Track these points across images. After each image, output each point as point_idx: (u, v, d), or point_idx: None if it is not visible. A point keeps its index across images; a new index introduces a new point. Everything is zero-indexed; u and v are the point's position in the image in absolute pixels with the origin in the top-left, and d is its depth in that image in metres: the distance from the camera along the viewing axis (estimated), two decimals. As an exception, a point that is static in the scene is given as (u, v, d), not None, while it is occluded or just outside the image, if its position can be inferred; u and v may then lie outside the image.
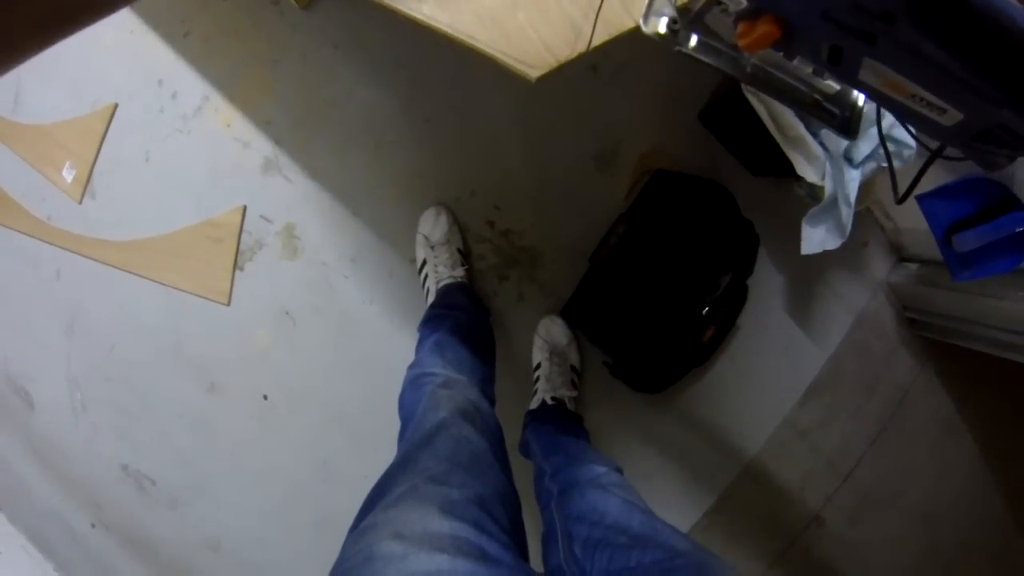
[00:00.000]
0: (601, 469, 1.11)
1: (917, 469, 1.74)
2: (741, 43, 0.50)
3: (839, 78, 0.59)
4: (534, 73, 0.51)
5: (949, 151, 0.52)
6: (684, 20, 0.65)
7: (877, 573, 1.76)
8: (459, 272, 1.47)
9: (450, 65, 1.49)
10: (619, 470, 1.14)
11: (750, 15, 0.49)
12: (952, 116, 0.44)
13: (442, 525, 0.68)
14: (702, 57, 0.66)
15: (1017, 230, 1.17)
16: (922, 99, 0.44)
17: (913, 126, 0.49)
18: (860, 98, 0.72)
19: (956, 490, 1.78)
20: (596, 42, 0.60)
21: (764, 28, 0.47)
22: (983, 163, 0.48)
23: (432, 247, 1.49)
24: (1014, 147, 0.45)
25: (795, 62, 0.68)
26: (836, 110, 0.72)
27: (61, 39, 0.36)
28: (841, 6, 0.41)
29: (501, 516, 0.78)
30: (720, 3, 0.57)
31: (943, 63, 0.40)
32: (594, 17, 0.56)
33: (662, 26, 0.63)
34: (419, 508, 0.70)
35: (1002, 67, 0.38)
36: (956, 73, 0.40)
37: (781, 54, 0.52)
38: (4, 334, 1.71)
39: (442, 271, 1.46)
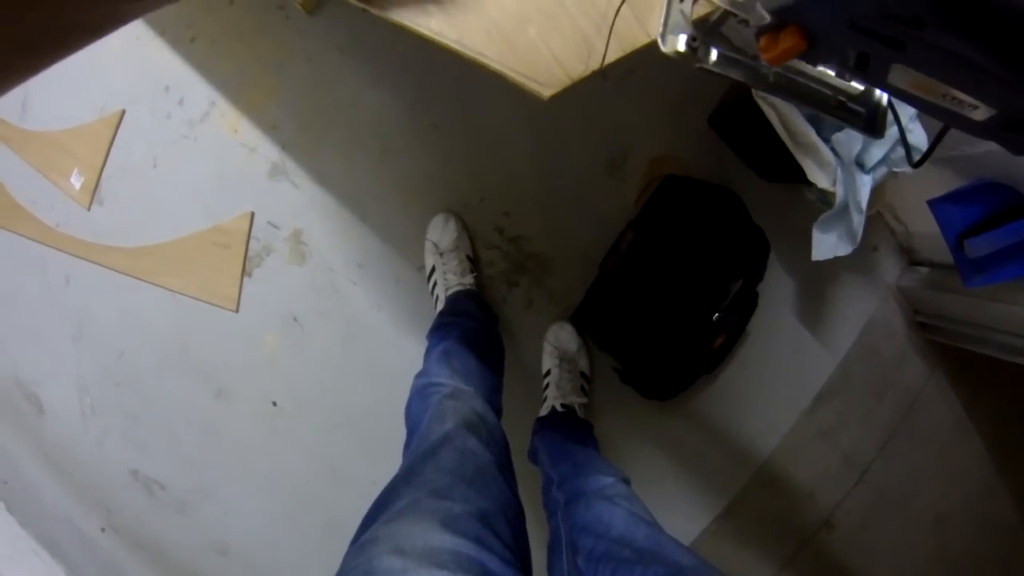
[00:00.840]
0: (608, 480, 1.10)
1: (927, 473, 1.74)
2: (765, 57, 0.49)
3: (866, 82, 0.58)
4: (546, 92, 0.50)
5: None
6: (701, 33, 0.64)
7: (888, 576, 1.76)
8: (468, 279, 1.46)
9: (457, 70, 1.48)
10: (627, 480, 1.14)
11: (773, 28, 0.48)
12: (984, 111, 0.44)
13: (443, 540, 0.67)
14: (723, 71, 0.65)
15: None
16: (953, 98, 0.43)
17: (942, 121, 0.48)
18: (884, 96, 0.71)
19: (966, 494, 1.77)
20: (610, 59, 0.59)
21: (789, 41, 0.47)
22: (1012, 149, 0.48)
23: (441, 254, 1.48)
24: None
25: (818, 68, 0.68)
26: (861, 109, 0.72)
27: (74, 52, 0.36)
28: (869, 15, 0.41)
29: (504, 531, 0.77)
30: (735, 15, 0.57)
31: (975, 61, 0.39)
32: (607, 33, 0.55)
33: (681, 44, 0.62)
34: (420, 523, 0.70)
35: None
36: (989, 70, 0.39)
37: (804, 62, 0.51)
38: (14, 340, 1.71)
39: (451, 278, 1.45)
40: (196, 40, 1.54)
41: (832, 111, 0.72)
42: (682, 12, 0.63)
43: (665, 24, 0.62)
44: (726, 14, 0.62)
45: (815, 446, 1.69)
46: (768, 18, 0.48)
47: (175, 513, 1.69)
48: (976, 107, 0.43)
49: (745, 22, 0.57)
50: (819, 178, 1.26)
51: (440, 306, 1.44)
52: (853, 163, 1.26)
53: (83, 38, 0.36)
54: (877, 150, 1.26)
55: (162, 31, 1.54)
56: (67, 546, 1.74)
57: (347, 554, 0.70)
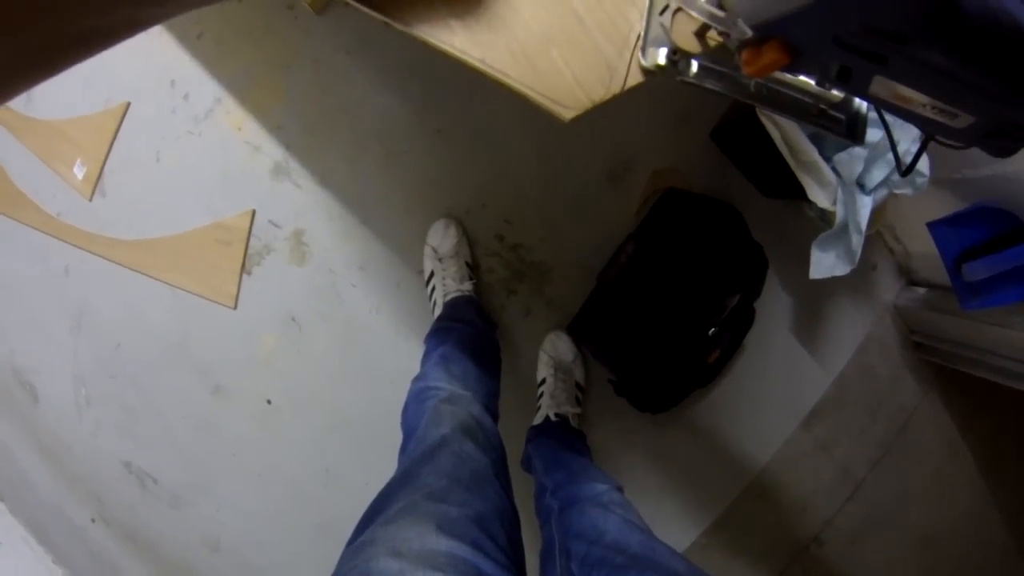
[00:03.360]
0: (602, 487, 1.10)
1: (919, 493, 1.74)
2: (748, 71, 0.49)
3: (848, 93, 0.59)
4: (568, 114, 0.50)
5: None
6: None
7: (875, 596, 1.76)
8: (467, 286, 1.46)
9: (464, 77, 1.47)
10: (620, 489, 1.14)
11: (755, 42, 0.48)
12: (964, 120, 0.45)
13: (439, 543, 0.67)
14: (705, 83, 0.66)
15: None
16: (934, 107, 0.45)
17: (923, 130, 0.49)
18: (864, 104, 0.72)
19: (957, 515, 1.77)
20: (631, 83, 0.59)
21: (771, 55, 0.47)
22: (993, 153, 0.49)
23: (440, 259, 1.48)
24: None
25: (800, 77, 0.69)
26: (841, 116, 0.72)
27: (90, 56, 0.37)
28: (853, 31, 0.41)
29: (499, 535, 0.77)
30: (716, 29, 0.57)
31: (956, 74, 0.40)
32: (629, 56, 0.56)
33: (662, 57, 0.62)
34: (417, 525, 0.70)
35: (1014, 71, 0.39)
36: (969, 82, 0.41)
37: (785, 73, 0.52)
38: (12, 327, 1.71)
39: (450, 284, 1.45)
40: (203, 36, 1.55)
41: (813, 119, 0.72)
42: (662, 25, 0.63)
43: (645, 38, 0.62)
44: (704, 26, 0.63)
45: (808, 462, 1.69)
46: (750, 33, 0.48)
47: (167, 507, 1.69)
48: (956, 116, 0.45)
49: (726, 35, 0.57)
50: (819, 197, 1.27)
51: (438, 311, 1.44)
52: (854, 184, 1.26)
53: (100, 43, 0.36)
54: (878, 171, 1.26)
55: (170, 26, 1.53)
56: (57, 535, 1.74)
57: (343, 555, 0.70)
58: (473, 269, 1.52)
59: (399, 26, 0.52)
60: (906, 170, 0.73)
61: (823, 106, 0.69)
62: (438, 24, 0.53)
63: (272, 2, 1.53)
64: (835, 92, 0.69)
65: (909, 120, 0.48)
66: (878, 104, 0.48)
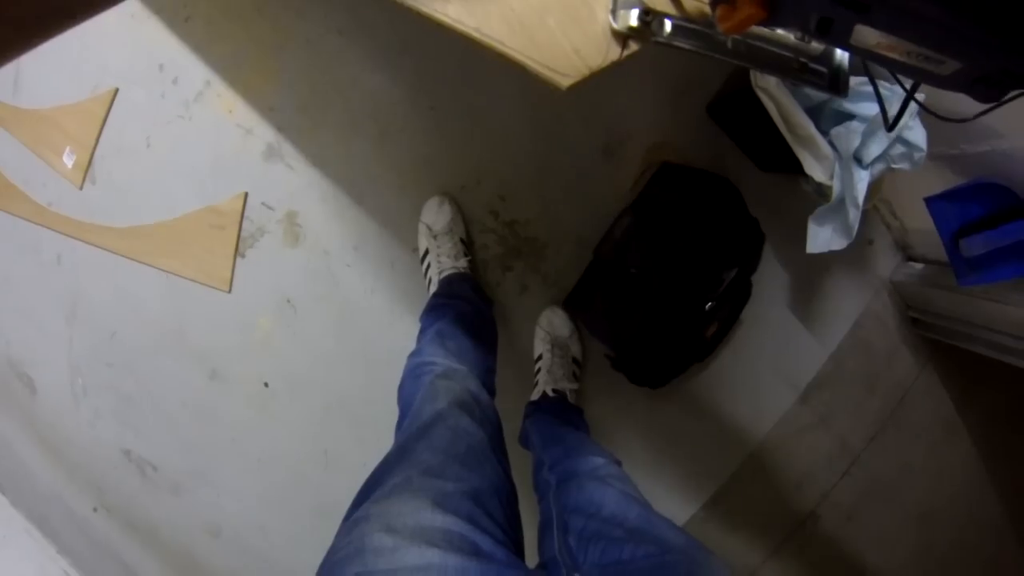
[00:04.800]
0: (600, 461, 1.10)
1: (915, 468, 1.75)
2: (722, 27, 0.48)
3: (829, 44, 0.59)
4: (565, 82, 0.49)
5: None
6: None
7: (872, 570, 1.78)
8: (462, 263, 1.46)
9: (457, 52, 1.47)
10: (618, 462, 1.14)
11: None
12: (950, 66, 0.44)
13: (434, 519, 0.67)
14: (679, 43, 0.64)
15: (1025, 237, 1.16)
16: (919, 54, 0.44)
17: (910, 78, 0.49)
18: (846, 56, 0.70)
19: (953, 490, 1.79)
20: (629, 50, 0.58)
21: (747, 10, 0.46)
22: (980, 99, 0.48)
23: (435, 237, 1.47)
24: (1015, 86, 0.45)
25: (778, 31, 0.67)
26: (823, 69, 0.71)
27: (63, 31, 0.35)
28: None
29: (496, 511, 0.77)
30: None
31: (941, 21, 0.40)
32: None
33: (633, 19, 0.60)
34: (412, 501, 0.70)
35: (1000, 16, 0.38)
36: (955, 29, 0.40)
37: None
38: (6, 319, 1.70)
39: (444, 261, 1.45)
40: (192, 19, 1.52)
41: (794, 74, 0.71)
42: None
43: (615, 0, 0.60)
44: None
45: (804, 437, 1.70)
46: None
47: (168, 494, 1.69)
48: (942, 63, 0.44)
49: None
50: (816, 171, 1.26)
51: (433, 288, 1.44)
52: (851, 158, 1.26)
53: (85, 10, 0.35)
54: (876, 146, 1.25)
55: (158, 9, 1.51)
56: (58, 525, 1.74)
57: (338, 531, 0.70)
58: (468, 246, 1.52)
59: None
60: (892, 124, 0.73)
61: (804, 60, 0.69)
62: None
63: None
64: (815, 45, 0.68)
65: (893, 69, 0.47)
66: (861, 54, 0.47)
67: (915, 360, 1.71)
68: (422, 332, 1.27)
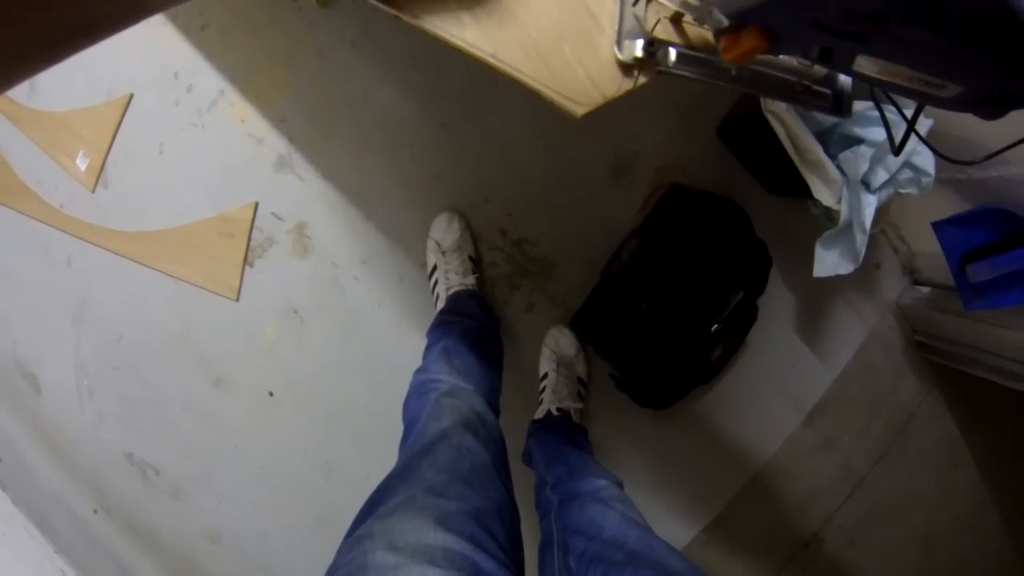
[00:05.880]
0: (602, 483, 1.10)
1: (918, 492, 1.74)
2: (727, 57, 0.48)
3: (831, 70, 0.58)
4: (580, 110, 0.50)
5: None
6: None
7: (874, 594, 1.77)
8: (470, 280, 1.46)
9: (468, 69, 1.47)
10: (620, 484, 1.14)
11: (732, 30, 0.48)
12: (952, 90, 0.45)
13: (437, 538, 0.67)
14: (684, 72, 0.65)
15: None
16: (920, 80, 0.45)
17: (914, 100, 0.50)
18: (849, 78, 0.71)
19: (956, 515, 1.77)
20: (642, 80, 0.59)
21: (750, 42, 0.47)
22: (984, 117, 0.48)
23: (443, 253, 1.48)
24: (1016, 105, 0.45)
25: (780, 57, 0.68)
26: (827, 91, 0.71)
27: (99, 41, 0.35)
28: (831, 14, 0.41)
29: (498, 531, 0.77)
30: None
31: (940, 49, 0.40)
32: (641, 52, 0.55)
33: (639, 49, 0.60)
34: (415, 519, 0.70)
35: (997, 42, 0.39)
36: (954, 56, 0.41)
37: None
38: (14, 319, 1.72)
39: (452, 278, 1.45)
40: (207, 28, 1.54)
41: (798, 96, 0.71)
42: (636, 16, 0.62)
43: (620, 31, 0.60)
44: (677, 14, 0.61)
45: (808, 460, 1.69)
46: (726, 22, 0.48)
47: (168, 498, 1.70)
48: (943, 86, 0.45)
49: (702, 23, 0.56)
50: (824, 195, 1.26)
51: (441, 305, 1.44)
52: (859, 183, 1.26)
53: (106, 29, 0.35)
54: (883, 170, 1.25)
55: (173, 17, 1.53)
56: (59, 525, 1.75)
57: (340, 548, 0.70)
58: (476, 263, 1.52)
59: (409, 19, 0.51)
60: (898, 148, 0.73)
61: (807, 83, 0.69)
62: (449, 18, 0.52)
63: (277, -5, 1.53)
64: (819, 68, 0.68)
65: (898, 93, 0.47)
66: (864, 80, 0.47)
67: (920, 384, 1.70)
68: (428, 348, 1.27)
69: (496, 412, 1.11)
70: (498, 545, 0.75)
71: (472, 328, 1.30)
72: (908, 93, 0.47)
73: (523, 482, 1.53)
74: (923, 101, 0.48)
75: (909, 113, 0.66)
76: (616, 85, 0.54)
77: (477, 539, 0.71)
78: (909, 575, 1.78)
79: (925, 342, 1.66)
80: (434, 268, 1.49)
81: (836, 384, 1.67)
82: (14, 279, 1.69)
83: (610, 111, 1.50)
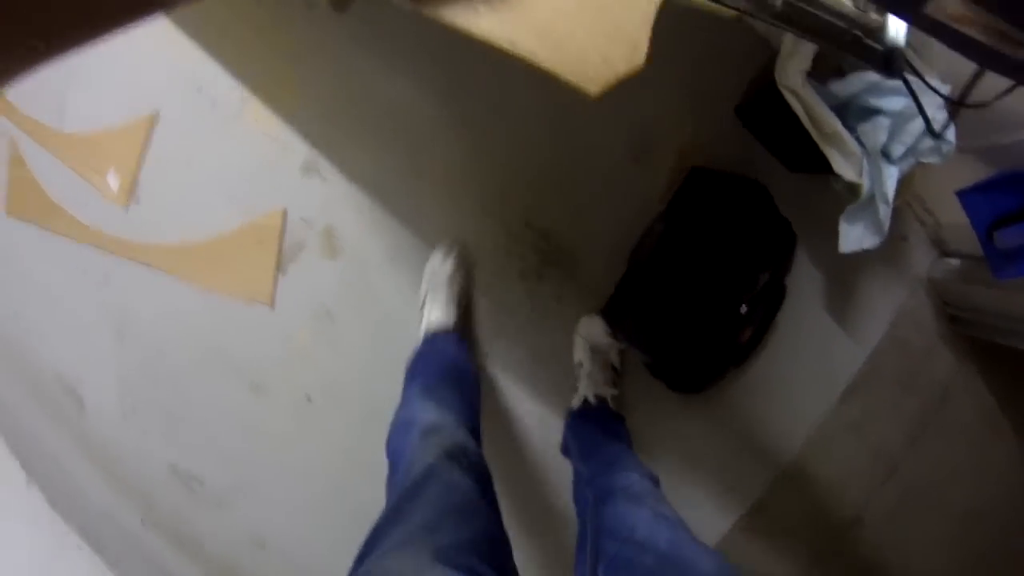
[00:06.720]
0: (634, 476, 1.13)
1: (958, 468, 1.72)
2: None
3: (896, 10, 0.53)
4: (595, 89, 0.51)
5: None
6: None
7: (919, 573, 1.74)
8: (452, 317, 1.48)
9: (484, 64, 1.49)
10: (653, 478, 1.17)
11: None
12: None
13: (435, 573, 0.70)
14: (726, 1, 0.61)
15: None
16: (997, 31, 0.40)
17: (978, 62, 0.45)
18: (902, 33, 0.66)
19: (997, 489, 1.75)
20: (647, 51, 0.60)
21: None
22: None
23: (434, 287, 1.51)
24: None
25: None
26: (877, 46, 0.67)
27: (112, 34, 0.35)
28: None
29: (493, 561, 0.81)
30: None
31: None
32: (649, 31, 0.56)
33: None
34: (413, 557, 0.73)
35: None
36: None
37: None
38: (55, 338, 1.76)
39: (437, 312, 1.48)
40: (227, 41, 1.58)
41: (846, 46, 0.66)
42: None
43: None
44: None
45: (844, 440, 1.68)
46: None
47: (213, 508, 1.73)
48: (1021, 45, 0.40)
49: None
50: (845, 169, 1.27)
51: (422, 339, 1.47)
52: (879, 153, 1.26)
53: (121, 21, 0.35)
54: (903, 140, 1.26)
55: (192, 32, 1.57)
56: (109, 540, 1.78)
57: None
58: (461, 303, 1.54)
59: (426, 12, 0.53)
60: (927, 126, 0.70)
61: (858, 32, 0.65)
62: (465, 8, 0.54)
63: (292, 2, 1.56)
64: (873, 16, 0.64)
65: (961, 48, 0.43)
66: (931, 28, 0.43)
67: (954, 358, 1.68)
68: (406, 386, 1.31)
69: (479, 442, 1.14)
70: (495, 573, 0.78)
71: (449, 365, 1.35)
72: (974, 50, 0.42)
73: (561, 477, 1.55)
74: (987, 62, 0.43)
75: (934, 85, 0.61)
76: (626, 63, 0.55)
77: (474, 569, 0.75)
78: (953, 551, 1.75)
79: (957, 315, 1.65)
80: (425, 298, 1.53)
81: (868, 362, 1.66)
82: (53, 299, 1.74)
83: (627, 97, 1.52)
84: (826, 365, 1.66)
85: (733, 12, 0.62)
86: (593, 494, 1.13)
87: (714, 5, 0.62)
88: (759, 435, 1.66)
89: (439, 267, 1.52)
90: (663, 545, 0.89)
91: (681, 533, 0.92)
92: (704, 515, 1.65)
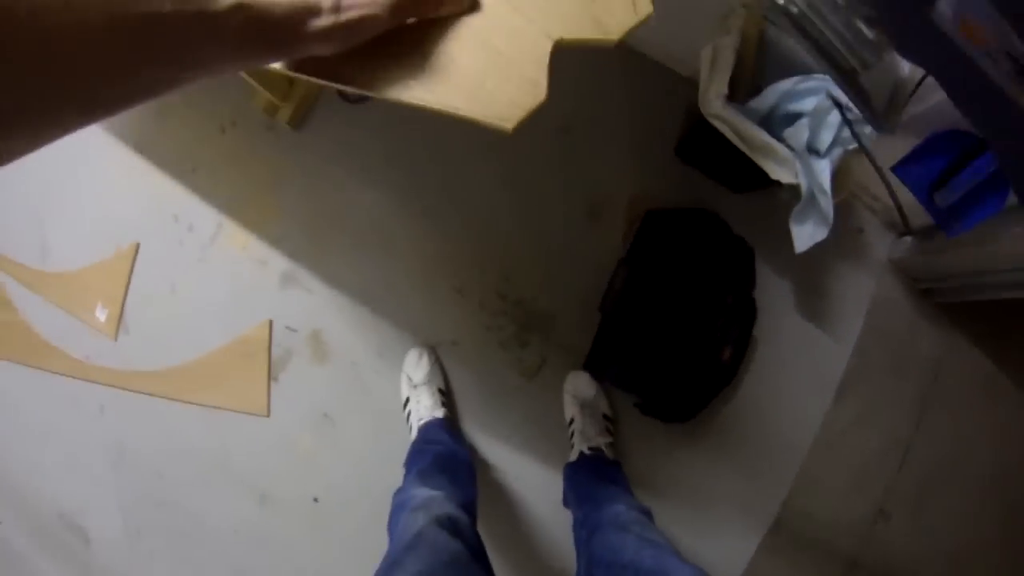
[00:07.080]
0: (621, 507, 1.18)
1: (970, 437, 1.71)
2: None
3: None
4: (508, 125, 0.58)
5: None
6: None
7: (961, 552, 1.70)
8: (439, 412, 1.55)
9: (436, 155, 1.65)
10: (643, 510, 1.21)
11: None
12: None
13: None
14: None
15: (991, 171, 1.20)
16: (1007, 53, 0.38)
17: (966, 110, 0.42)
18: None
19: (1012, 449, 1.72)
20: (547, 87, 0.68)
21: None
22: None
23: (415, 387, 1.58)
24: None
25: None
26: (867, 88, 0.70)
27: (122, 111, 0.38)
28: None
29: None
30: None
31: None
32: (546, 70, 0.65)
33: None
34: None
35: None
36: None
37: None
38: (53, 474, 1.74)
39: (423, 411, 1.54)
40: (197, 169, 1.69)
41: (845, 75, 0.66)
42: None
43: None
44: None
45: (849, 438, 1.68)
46: None
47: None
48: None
49: None
50: (781, 174, 1.33)
51: (414, 435, 1.52)
52: (806, 151, 1.34)
53: (124, 103, 0.38)
54: (826, 133, 1.34)
55: (164, 164, 1.68)
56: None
57: None
58: (445, 395, 1.61)
59: (374, 95, 0.61)
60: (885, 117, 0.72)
61: (855, 65, 0.69)
62: (399, 85, 0.62)
63: (252, 128, 1.69)
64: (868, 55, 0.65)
65: (942, 76, 0.42)
66: (931, 35, 0.42)
67: (937, 330, 1.71)
68: (405, 476, 1.35)
69: (473, 519, 1.16)
70: None
71: (443, 453, 1.39)
72: (976, 68, 0.40)
73: (557, 530, 1.52)
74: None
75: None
76: (532, 100, 0.62)
77: None
78: (988, 518, 1.71)
79: (929, 287, 1.69)
80: (407, 400, 1.58)
81: (855, 357, 1.69)
82: (50, 436, 1.75)
83: (572, 161, 1.64)
84: (814, 369, 1.69)
85: (611, 40, 0.70)
86: (586, 532, 1.17)
87: (599, 37, 0.70)
88: (763, 452, 1.66)
89: (415, 368, 1.59)
90: (647, 563, 0.93)
91: (665, 552, 0.96)
92: (727, 544, 1.63)
